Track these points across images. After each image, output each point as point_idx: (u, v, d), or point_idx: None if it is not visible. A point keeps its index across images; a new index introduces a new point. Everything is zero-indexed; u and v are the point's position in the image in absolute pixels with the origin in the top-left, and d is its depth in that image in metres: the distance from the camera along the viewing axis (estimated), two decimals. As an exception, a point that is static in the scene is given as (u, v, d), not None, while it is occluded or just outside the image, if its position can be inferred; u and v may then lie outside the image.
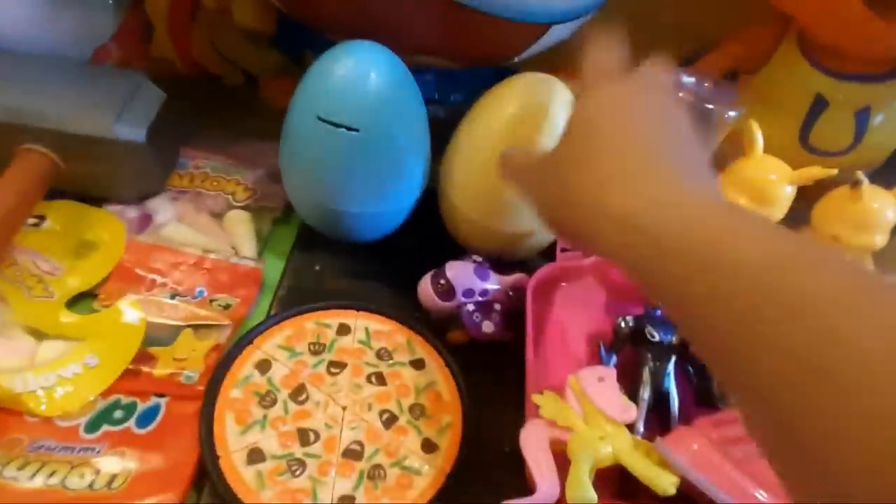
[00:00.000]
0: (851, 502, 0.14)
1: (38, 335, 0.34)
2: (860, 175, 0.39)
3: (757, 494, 0.26)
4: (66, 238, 0.40)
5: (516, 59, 0.41)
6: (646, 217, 0.21)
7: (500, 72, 0.45)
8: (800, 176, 0.39)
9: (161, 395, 0.33)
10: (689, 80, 0.36)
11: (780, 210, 0.40)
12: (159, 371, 0.34)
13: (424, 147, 0.38)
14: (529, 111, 0.35)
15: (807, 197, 0.41)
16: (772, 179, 0.39)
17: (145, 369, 0.34)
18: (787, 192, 0.40)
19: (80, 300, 0.37)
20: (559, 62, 0.43)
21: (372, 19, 0.37)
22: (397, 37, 0.36)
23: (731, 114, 0.36)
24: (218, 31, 0.48)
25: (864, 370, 0.15)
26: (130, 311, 0.36)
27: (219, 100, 0.53)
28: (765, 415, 0.17)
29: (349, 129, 0.33)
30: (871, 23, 0.35)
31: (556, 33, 0.37)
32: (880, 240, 0.40)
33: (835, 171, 0.38)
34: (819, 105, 0.41)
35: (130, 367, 0.34)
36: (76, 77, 0.41)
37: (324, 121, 0.33)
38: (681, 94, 0.36)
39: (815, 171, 0.38)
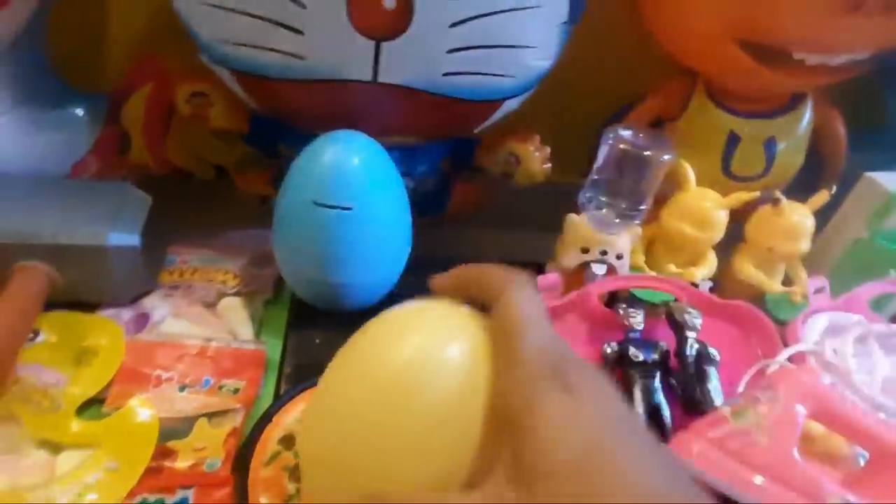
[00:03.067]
0: None
1: (52, 448, 0.34)
2: (778, 194, 0.45)
3: (755, 480, 0.29)
4: (63, 349, 0.40)
5: (476, 130, 0.46)
6: None
7: (458, 142, 0.51)
8: (730, 201, 0.45)
9: (187, 487, 0.34)
10: (626, 133, 0.42)
11: (718, 232, 0.46)
12: (181, 464, 0.35)
13: (407, 216, 0.42)
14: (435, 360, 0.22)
15: (735, 217, 0.48)
16: (708, 207, 0.46)
17: (167, 464, 0.35)
18: (722, 216, 0.46)
19: (88, 407, 0.38)
20: (511, 127, 0.49)
21: (343, 110, 0.41)
22: (367, 123, 0.40)
23: (666, 157, 0.42)
24: (191, 133, 0.51)
25: None
26: (142, 411, 0.37)
27: (192, 195, 0.55)
28: None
29: (343, 208, 0.37)
30: (755, 70, 0.43)
31: (509, 105, 0.43)
32: (805, 245, 0.47)
33: (758, 194, 0.45)
34: (733, 140, 0.48)
35: (152, 464, 0.34)
36: (63, 192, 0.42)
37: (319, 204, 0.37)
38: (621, 146, 0.42)
39: (742, 196, 0.45)
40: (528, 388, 0.19)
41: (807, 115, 0.49)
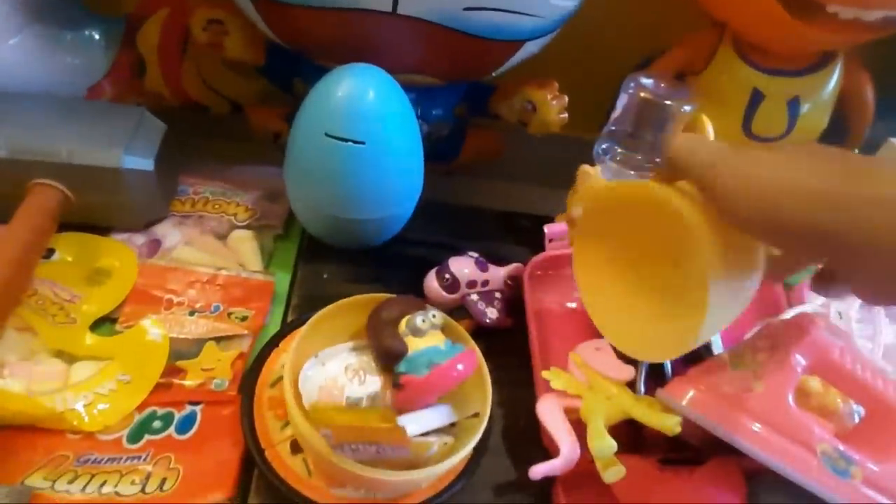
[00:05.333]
0: None
1: (67, 358, 0.36)
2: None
3: (744, 423, 0.30)
4: (78, 268, 0.41)
5: (494, 74, 0.45)
6: None
7: (474, 87, 0.50)
8: (748, 159, 0.44)
9: (195, 403, 0.35)
10: (647, 81, 0.41)
11: (733, 190, 0.46)
12: (190, 382, 0.36)
13: (419, 155, 0.42)
14: None
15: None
16: (724, 164, 0.45)
17: (176, 381, 0.36)
18: (739, 174, 0.45)
19: (102, 324, 0.39)
20: (529, 73, 0.48)
21: (361, 43, 0.40)
22: (386, 58, 0.39)
23: (687, 108, 0.40)
24: (206, 64, 0.51)
25: None
26: (153, 330, 0.38)
27: (206, 128, 0.55)
28: None
29: (355, 142, 0.37)
30: (788, 22, 0.41)
31: (529, 48, 0.42)
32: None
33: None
34: (756, 98, 0.47)
35: (162, 380, 0.36)
36: (80, 113, 0.42)
37: (331, 137, 0.37)
38: (642, 95, 0.41)
39: (760, 154, 0.44)
40: None
41: (835, 76, 0.48)
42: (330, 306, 0.33)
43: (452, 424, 0.32)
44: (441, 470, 0.28)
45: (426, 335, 0.30)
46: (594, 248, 0.36)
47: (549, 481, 0.34)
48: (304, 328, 0.31)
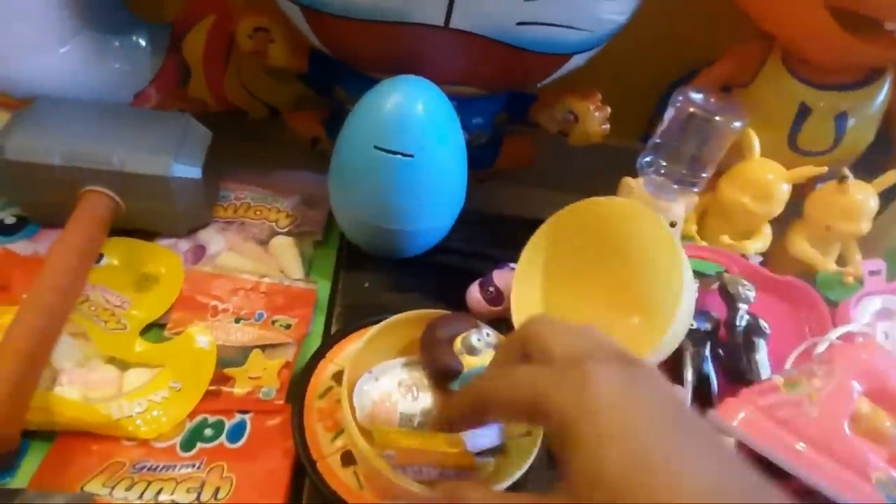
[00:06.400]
0: None
1: (119, 364, 0.36)
2: (846, 171, 0.44)
3: (797, 447, 0.30)
4: (126, 273, 0.42)
5: (539, 85, 0.45)
6: None
7: (516, 95, 0.50)
8: (795, 175, 0.44)
9: (245, 412, 0.36)
10: (696, 95, 0.41)
11: (778, 205, 0.45)
12: (238, 390, 0.36)
13: (464, 167, 0.42)
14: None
15: (795, 191, 0.46)
16: (770, 179, 0.44)
17: (225, 389, 0.36)
18: (784, 190, 0.45)
19: (150, 330, 0.39)
20: (571, 83, 0.48)
21: (409, 55, 0.40)
22: (433, 70, 0.39)
23: (737, 124, 0.40)
24: (246, 69, 0.51)
25: None
26: (201, 337, 0.38)
27: (245, 134, 0.55)
28: None
29: (404, 155, 0.37)
30: (843, 39, 0.41)
31: (575, 61, 0.42)
32: (865, 226, 0.45)
33: (825, 169, 0.43)
34: (803, 112, 0.46)
35: (211, 388, 0.36)
36: (129, 120, 0.43)
37: (381, 149, 0.37)
38: (690, 109, 0.41)
39: (808, 170, 0.44)
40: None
41: (884, 91, 0.47)
42: (383, 323, 0.33)
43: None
44: (500, 489, 0.28)
45: (481, 354, 0.30)
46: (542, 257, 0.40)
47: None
48: (359, 345, 0.32)
